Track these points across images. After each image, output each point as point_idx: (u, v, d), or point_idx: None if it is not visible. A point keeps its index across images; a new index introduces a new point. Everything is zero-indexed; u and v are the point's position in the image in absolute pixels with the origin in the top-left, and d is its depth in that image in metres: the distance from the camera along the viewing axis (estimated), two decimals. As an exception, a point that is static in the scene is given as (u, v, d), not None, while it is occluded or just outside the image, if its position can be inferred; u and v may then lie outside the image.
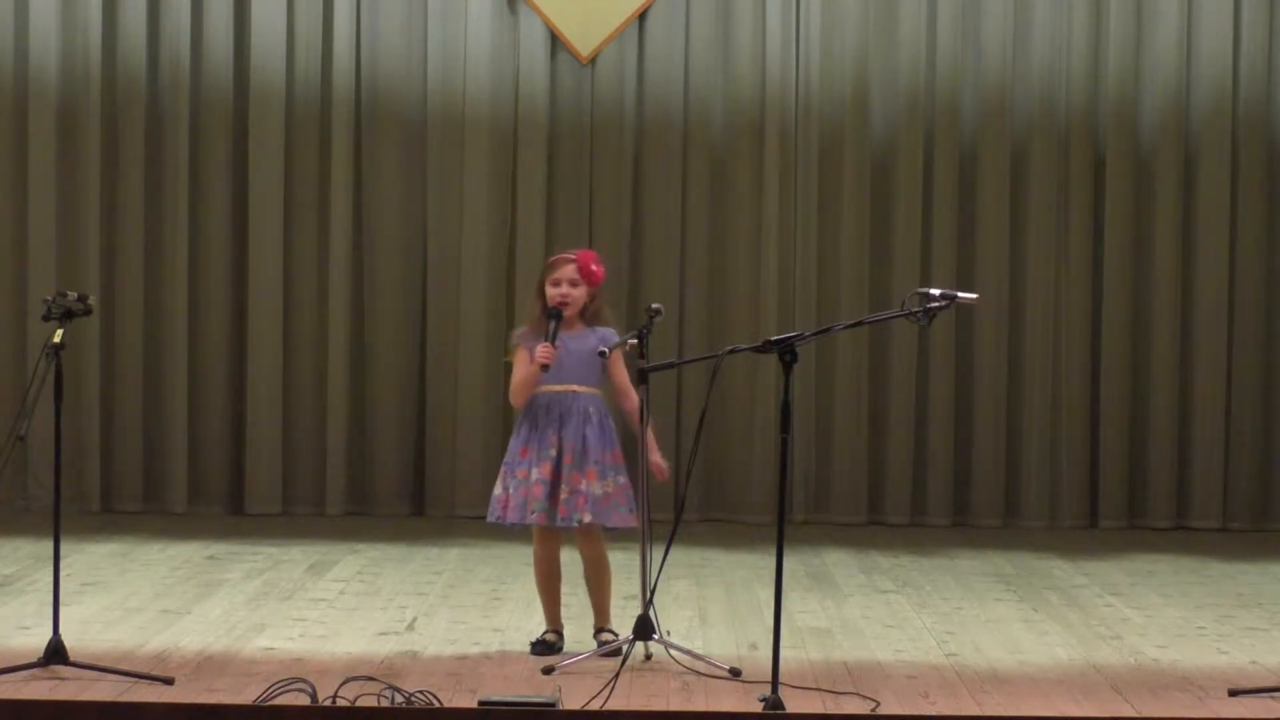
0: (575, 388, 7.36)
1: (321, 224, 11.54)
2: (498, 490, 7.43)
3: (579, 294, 7.36)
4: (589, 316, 7.42)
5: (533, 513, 7.31)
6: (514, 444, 7.42)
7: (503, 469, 7.44)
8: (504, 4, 11.52)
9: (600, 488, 7.30)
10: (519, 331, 7.47)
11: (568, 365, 7.31)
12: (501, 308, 11.53)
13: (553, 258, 7.52)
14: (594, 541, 7.44)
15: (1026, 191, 11.60)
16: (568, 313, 7.34)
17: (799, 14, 11.50)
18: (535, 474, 7.31)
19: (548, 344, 7.25)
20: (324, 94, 11.50)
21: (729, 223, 11.62)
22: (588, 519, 7.28)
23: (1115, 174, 11.57)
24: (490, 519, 7.48)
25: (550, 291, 7.36)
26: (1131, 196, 11.60)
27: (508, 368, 7.56)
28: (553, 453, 7.32)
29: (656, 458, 7.31)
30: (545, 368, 7.26)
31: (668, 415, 11.31)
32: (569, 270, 7.37)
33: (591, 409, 7.36)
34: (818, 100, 11.53)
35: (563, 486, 7.30)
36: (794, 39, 11.51)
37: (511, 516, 7.38)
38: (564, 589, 7.54)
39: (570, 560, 7.52)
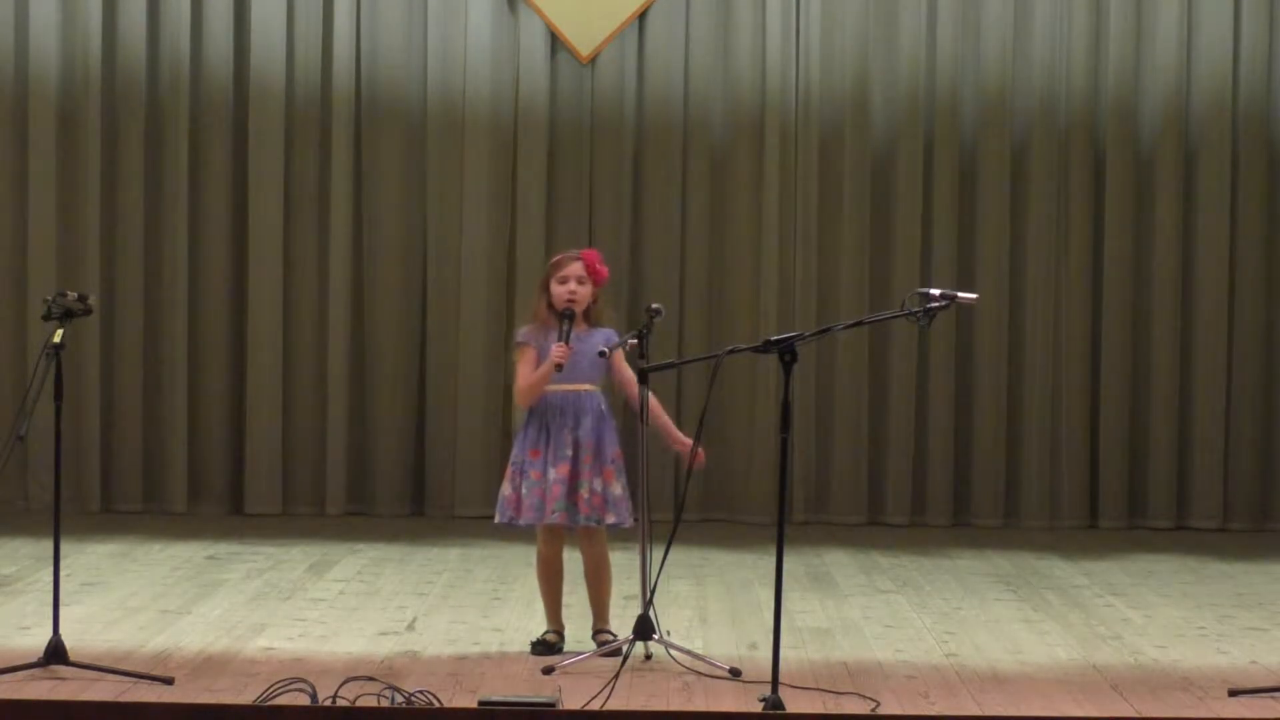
0: (586, 386, 7.38)
1: (321, 224, 11.55)
2: (506, 491, 7.39)
3: (586, 292, 7.37)
4: (593, 316, 7.44)
5: (554, 512, 7.30)
6: (521, 444, 7.40)
7: (510, 469, 7.41)
8: (504, 4, 11.52)
9: (618, 487, 7.36)
10: (523, 330, 7.46)
11: (578, 365, 7.31)
12: (501, 307, 11.53)
13: (557, 256, 7.51)
14: (598, 541, 7.45)
15: (1026, 191, 11.60)
16: (577, 310, 7.35)
17: (799, 14, 11.50)
18: (553, 474, 7.31)
19: (563, 344, 7.25)
20: (324, 94, 11.50)
21: (729, 223, 11.61)
22: (611, 520, 7.31)
23: (1115, 174, 11.57)
24: (500, 520, 7.43)
25: (558, 290, 7.36)
26: (1131, 196, 11.60)
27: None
28: (569, 452, 7.32)
29: (681, 437, 7.42)
30: (560, 367, 7.26)
31: (668, 415, 11.28)
32: (576, 268, 7.38)
33: (602, 407, 7.40)
34: (818, 100, 11.53)
35: (583, 486, 7.31)
36: (794, 39, 11.51)
37: (527, 517, 7.35)
38: (564, 588, 7.54)
39: (569, 559, 7.52)
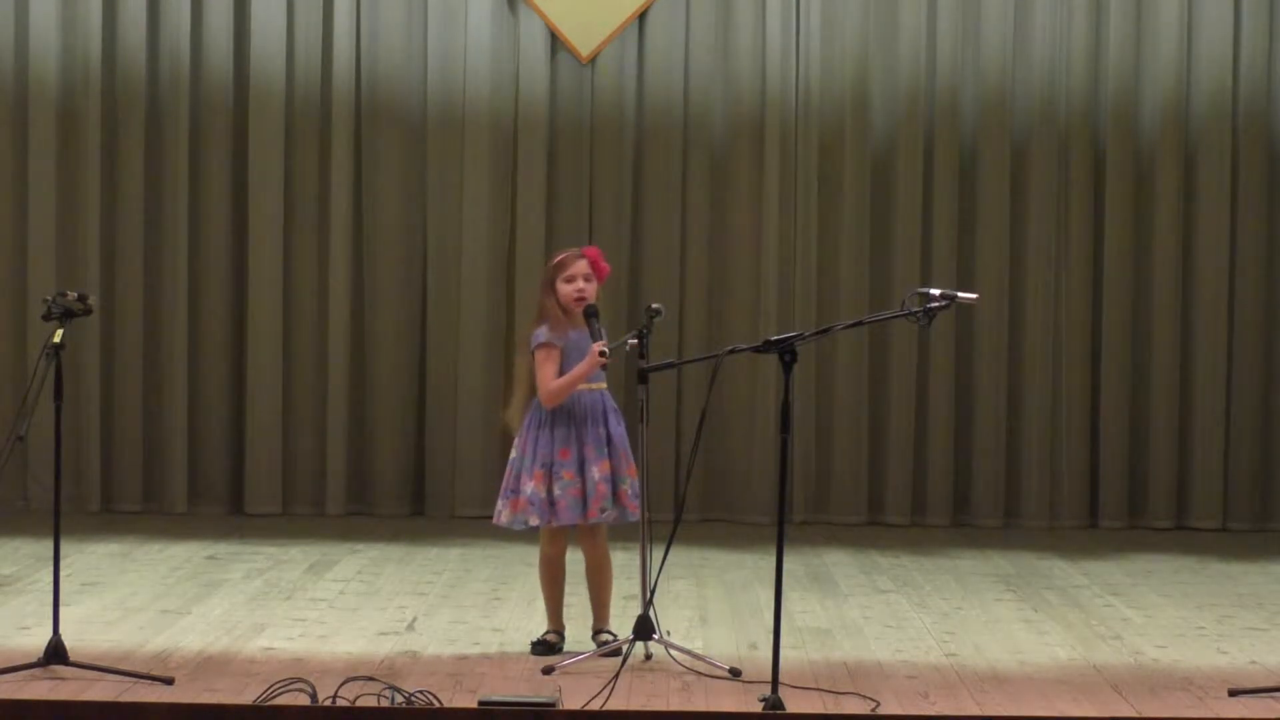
0: (603, 385, 7.39)
1: (321, 224, 11.54)
2: (540, 493, 7.30)
3: (593, 289, 7.36)
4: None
5: (602, 511, 7.29)
6: (549, 444, 7.31)
7: (537, 470, 7.30)
8: (504, 4, 11.52)
9: (638, 482, 7.35)
10: (542, 332, 7.38)
11: None
12: (501, 308, 11.53)
13: (560, 255, 7.48)
14: (600, 541, 7.45)
15: (1026, 191, 11.60)
16: (583, 308, 7.34)
17: (799, 14, 11.49)
18: (596, 473, 7.28)
19: (604, 342, 7.23)
20: (324, 94, 11.50)
21: (729, 223, 11.62)
22: (638, 515, 7.31)
23: (1115, 174, 11.57)
24: (537, 523, 7.33)
25: (566, 289, 7.34)
26: (1131, 196, 11.60)
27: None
28: (606, 450, 7.32)
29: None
30: (605, 366, 7.26)
31: (668, 415, 11.31)
32: (583, 266, 7.37)
33: (614, 404, 7.42)
34: (818, 100, 11.53)
35: (624, 482, 7.33)
36: (794, 39, 11.51)
37: (563, 518, 7.31)
38: (566, 589, 7.55)
39: (570, 559, 7.53)
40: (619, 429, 7.38)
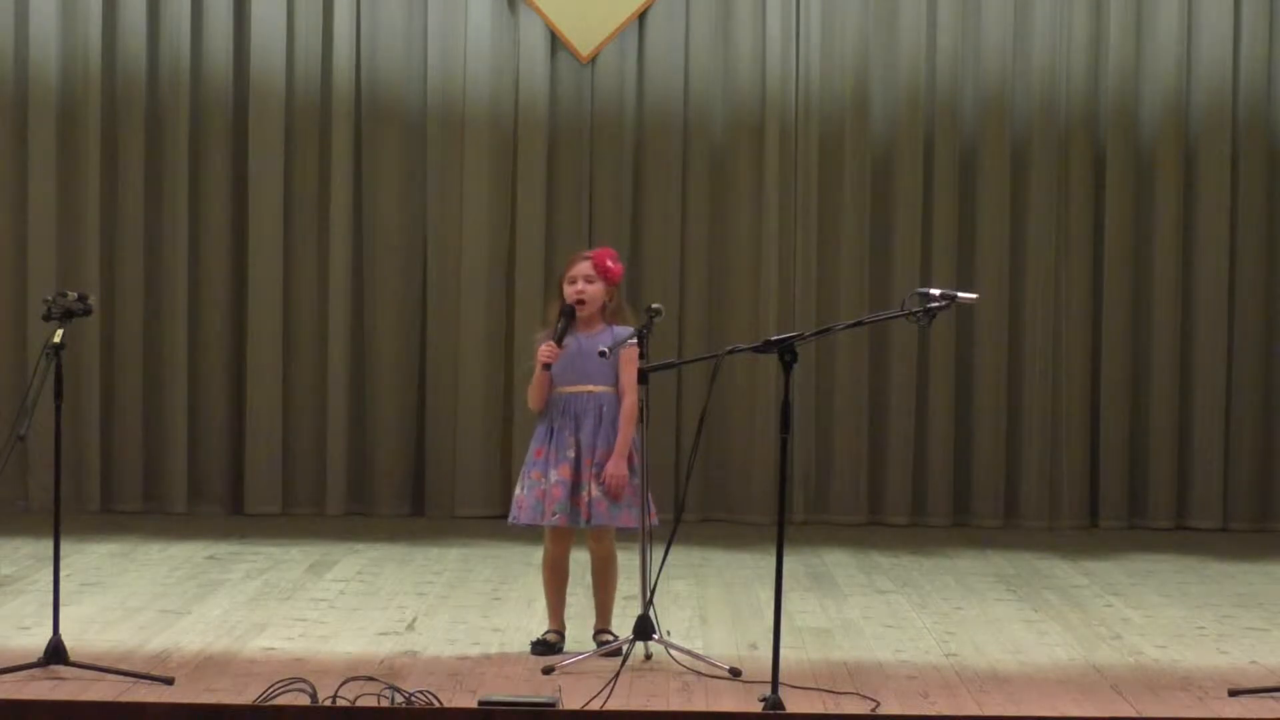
0: (591, 388, 7.35)
1: (321, 224, 11.54)
2: (517, 491, 7.43)
3: (595, 290, 7.34)
4: (609, 315, 7.39)
5: (553, 514, 7.29)
6: (532, 445, 7.42)
7: (523, 470, 7.44)
8: (504, 4, 11.52)
9: (627, 490, 7.30)
10: (541, 335, 7.44)
11: (584, 365, 7.29)
12: (501, 308, 11.53)
13: (572, 256, 7.52)
14: (605, 541, 7.44)
15: (1026, 191, 11.60)
16: (585, 310, 7.32)
17: (799, 14, 11.50)
18: (554, 475, 7.30)
19: (551, 343, 7.25)
20: (324, 94, 11.50)
21: (729, 223, 11.62)
22: (607, 522, 7.28)
23: (1115, 174, 11.57)
24: (509, 519, 7.49)
25: (567, 290, 7.35)
26: (1131, 196, 11.60)
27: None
28: (571, 454, 7.30)
29: (613, 465, 7.27)
30: (547, 366, 7.26)
31: (668, 415, 11.31)
32: (584, 267, 7.36)
33: (605, 408, 7.35)
34: (818, 100, 11.53)
35: (584, 489, 7.30)
36: (794, 39, 11.51)
37: (525, 518, 7.36)
38: (568, 588, 7.55)
39: (580, 560, 7.52)
40: (593, 435, 7.33)
